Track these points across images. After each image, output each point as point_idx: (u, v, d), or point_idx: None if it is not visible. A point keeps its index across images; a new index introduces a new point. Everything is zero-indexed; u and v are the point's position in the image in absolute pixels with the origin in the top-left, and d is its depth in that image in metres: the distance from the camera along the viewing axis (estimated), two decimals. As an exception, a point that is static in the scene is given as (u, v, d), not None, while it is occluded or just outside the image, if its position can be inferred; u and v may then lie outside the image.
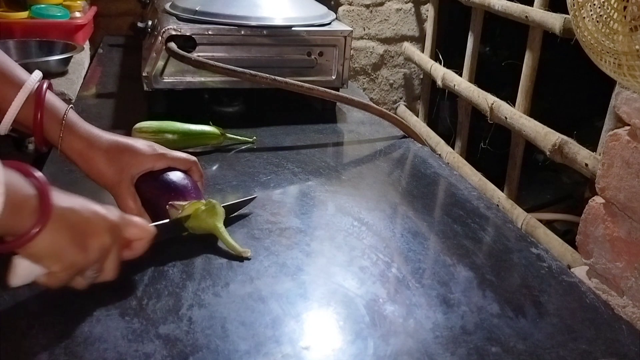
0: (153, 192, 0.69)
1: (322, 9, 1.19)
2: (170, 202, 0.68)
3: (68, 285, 0.55)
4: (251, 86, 1.07)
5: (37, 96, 0.64)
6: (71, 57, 1.25)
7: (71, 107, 0.67)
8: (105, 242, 0.55)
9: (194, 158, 0.73)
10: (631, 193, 0.68)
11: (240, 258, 0.66)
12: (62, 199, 0.52)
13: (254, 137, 1.01)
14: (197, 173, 0.74)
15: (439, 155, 1.34)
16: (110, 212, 0.56)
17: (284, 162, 0.94)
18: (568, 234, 1.22)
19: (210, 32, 1.04)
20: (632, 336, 0.60)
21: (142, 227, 0.60)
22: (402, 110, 1.67)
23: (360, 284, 0.64)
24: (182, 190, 0.69)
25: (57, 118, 0.65)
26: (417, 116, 1.64)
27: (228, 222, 0.73)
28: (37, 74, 0.66)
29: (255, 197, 0.79)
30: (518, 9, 1.09)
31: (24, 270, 0.51)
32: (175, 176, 0.70)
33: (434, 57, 1.49)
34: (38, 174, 0.51)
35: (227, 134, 0.98)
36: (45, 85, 0.65)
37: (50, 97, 0.65)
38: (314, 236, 0.73)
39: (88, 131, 0.67)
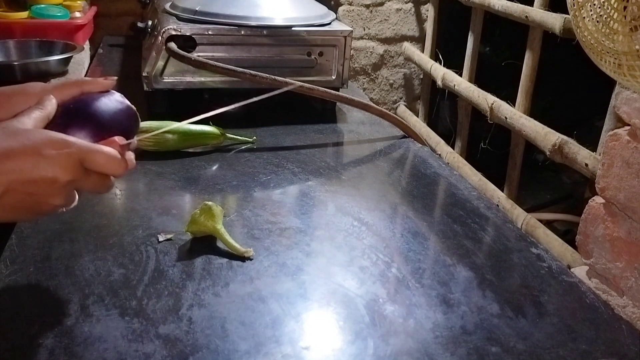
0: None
1: (322, 9, 1.19)
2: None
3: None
4: (251, 86, 1.07)
5: None
6: (71, 57, 1.25)
7: None
8: (58, 203, 0.47)
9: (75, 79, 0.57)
10: (631, 193, 0.68)
11: (242, 258, 0.66)
12: None
13: (254, 137, 1.01)
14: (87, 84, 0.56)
15: (439, 155, 1.34)
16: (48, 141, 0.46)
17: (284, 162, 0.94)
18: (568, 234, 1.22)
19: (210, 32, 1.04)
20: (632, 336, 0.60)
21: (112, 160, 0.49)
22: (402, 110, 1.67)
23: (360, 284, 0.64)
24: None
25: None
26: (417, 116, 1.64)
27: (228, 223, 0.73)
28: None
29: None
30: (518, 9, 1.09)
31: None
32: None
33: (434, 57, 1.49)
34: None
35: (227, 134, 0.98)
36: None
37: None
38: (314, 236, 0.73)
39: None
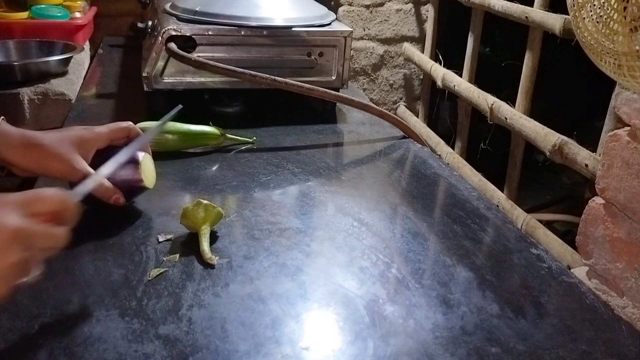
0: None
1: (322, 9, 1.19)
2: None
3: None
4: (251, 86, 1.07)
5: None
6: (71, 57, 1.25)
7: (2, 118, 0.66)
8: (14, 259, 0.46)
9: (126, 124, 0.74)
10: (631, 194, 0.68)
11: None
12: None
13: (254, 138, 1.01)
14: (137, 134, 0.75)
15: (439, 155, 1.34)
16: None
17: (283, 163, 0.94)
18: (568, 234, 1.22)
19: (210, 33, 1.04)
20: (632, 337, 0.60)
21: (56, 197, 0.52)
22: (402, 110, 1.67)
23: (360, 284, 0.64)
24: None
25: None
26: (417, 117, 1.64)
27: (228, 223, 0.73)
28: None
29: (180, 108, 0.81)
30: (518, 9, 1.09)
31: None
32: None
33: (434, 57, 1.49)
34: None
35: (227, 134, 0.98)
36: None
37: None
38: (314, 237, 0.73)
39: (24, 131, 0.67)
